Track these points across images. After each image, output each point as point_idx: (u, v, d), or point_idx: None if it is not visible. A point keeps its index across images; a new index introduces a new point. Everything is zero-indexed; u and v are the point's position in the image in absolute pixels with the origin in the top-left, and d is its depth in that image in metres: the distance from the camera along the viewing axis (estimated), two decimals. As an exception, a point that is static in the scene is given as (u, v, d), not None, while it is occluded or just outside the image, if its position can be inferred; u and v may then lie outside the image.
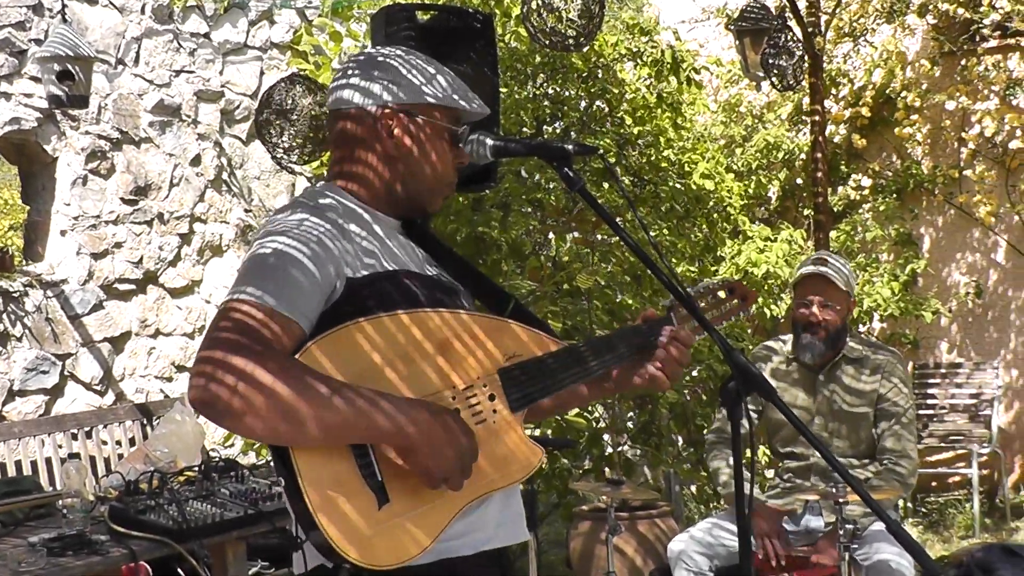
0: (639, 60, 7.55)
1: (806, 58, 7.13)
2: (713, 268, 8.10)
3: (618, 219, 6.89)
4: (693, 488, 7.71)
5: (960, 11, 8.64)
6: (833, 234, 8.74)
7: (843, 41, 9.34)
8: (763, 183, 9.52)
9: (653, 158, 7.43)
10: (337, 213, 2.31)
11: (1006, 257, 8.99)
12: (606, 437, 7.19)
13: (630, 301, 6.93)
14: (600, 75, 7.34)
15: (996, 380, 8.66)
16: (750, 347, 6.85)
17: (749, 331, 8.14)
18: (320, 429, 2.07)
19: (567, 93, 7.30)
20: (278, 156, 6.06)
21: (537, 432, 6.10)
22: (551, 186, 6.94)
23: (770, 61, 7.07)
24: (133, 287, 7.63)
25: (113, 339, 7.48)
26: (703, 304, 2.82)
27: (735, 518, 2.37)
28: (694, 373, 7.09)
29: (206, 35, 8.22)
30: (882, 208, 9.18)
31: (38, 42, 6.91)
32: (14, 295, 6.87)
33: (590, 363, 2.52)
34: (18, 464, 6.07)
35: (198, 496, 4.38)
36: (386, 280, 2.29)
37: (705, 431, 5.81)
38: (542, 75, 7.22)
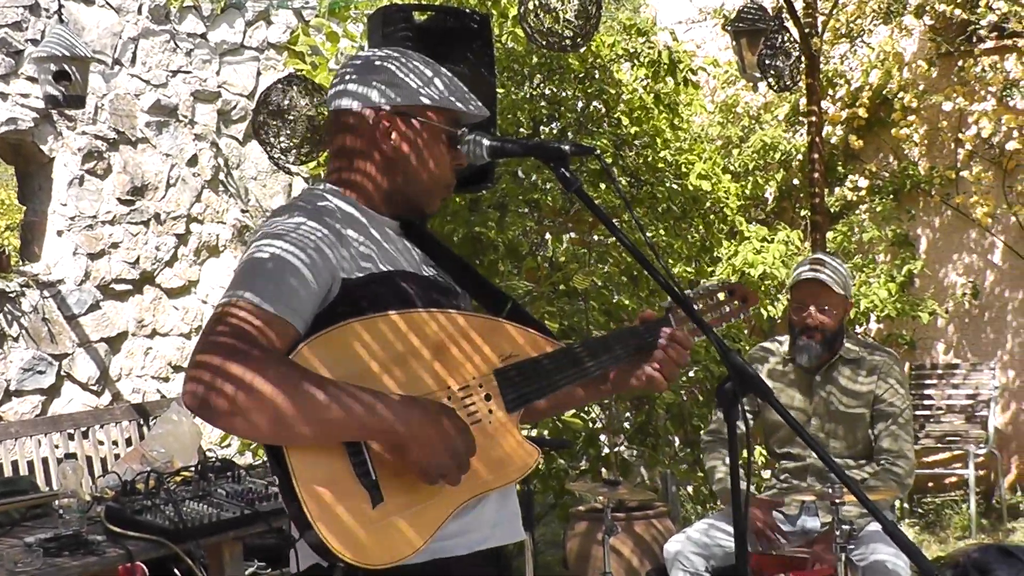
0: (636, 61, 7.55)
1: (803, 59, 7.13)
2: (710, 269, 8.10)
3: (615, 220, 6.89)
4: (690, 488, 7.71)
5: (957, 12, 8.64)
6: (830, 235, 8.75)
7: (840, 42, 9.35)
8: (760, 184, 9.52)
9: (650, 159, 7.43)
10: (334, 217, 2.31)
11: (1003, 258, 8.99)
12: (603, 438, 7.19)
13: (627, 302, 6.94)
14: (597, 76, 7.34)
15: (993, 381, 8.66)
16: (747, 348, 6.85)
17: (746, 332, 8.14)
18: (313, 428, 2.08)
19: (564, 94, 7.30)
20: (275, 157, 6.06)
21: (533, 432, 6.10)
22: (548, 187, 6.94)
23: (767, 62, 7.07)
24: (130, 287, 7.63)
25: (110, 339, 7.48)
26: (702, 305, 2.82)
27: (731, 519, 2.37)
28: (691, 374, 7.09)
29: (203, 35, 8.22)
30: (879, 209, 9.18)
31: (35, 42, 6.91)
32: (11, 295, 6.87)
33: (586, 364, 2.52)
34: (15, 464, 6.06)
35: (195, 496, 4.38)
36: (380, 281, 2.30)
37: (702, 432, 5.82)
38: (539, 75, 7.22)
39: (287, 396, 2.04)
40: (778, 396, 4.74)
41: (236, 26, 8.44)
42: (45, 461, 6.24)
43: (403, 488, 2.19)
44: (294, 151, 6.01)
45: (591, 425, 7.03)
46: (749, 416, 5.01)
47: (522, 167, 7.02)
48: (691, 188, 7.66)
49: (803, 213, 9.31)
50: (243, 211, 8.38)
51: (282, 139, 5.99)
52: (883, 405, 4.81)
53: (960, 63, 8.85)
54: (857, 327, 8.85)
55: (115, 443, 6.58)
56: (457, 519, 2.27)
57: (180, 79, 8.04)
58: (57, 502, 4.36)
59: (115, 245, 7.52)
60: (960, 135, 8.93)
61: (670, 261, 7.39)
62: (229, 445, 7.13)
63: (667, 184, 7.38)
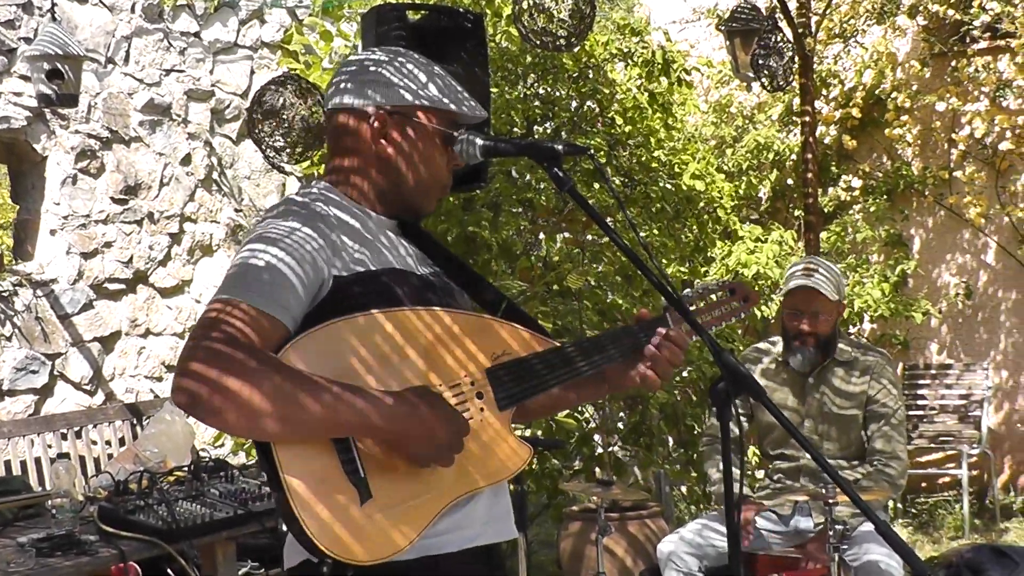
0: (630, 60, 7.55)
1: (796, 59, 7.14)
2: (703, 269, 8.11)
3: (608, 219, 6.89)
4: (683, 489, 7.72)
5: (950, 12, 8.64)
6: (823, 235, 8.76)
7: (833, 42, 9.35)
8: (753, 184, 9.53)
9: (643, 158, 7.44)
10: (328, 223, 2.31)
11: (996, 258, 9.01)
12: (596, 437, 7.19)
13: (620, 301, 6.94)
14: (591, 75, 7.34)
15: (986, 381, 8.67)
16: (740, 348, 6.86)
17: (740, 332, 8.15)
18: (301, 424, 2.09)
19: (558, 93, 7.30)
20: (269, 156, 6.05)
21: (527, 432, 6.10)
22: (542, 186, 6.94)
23: (760, 62, 7.07)
24: (123, 287, 7.62)
25: (103, 339, 7.47)
26: (702, 305, 2.81)
27: (725, 519, 2.37)
28: (684, 374, 7.10)
29: (196, 34, 8.21)
30: (872, 209, 9.20)
31: (28, 41, 6.89)
32: (4, 294, 6.86)
33: (579, 364, 2.51)
34: (7, 464, 6.06)
35: (188, 496, 4.38)
36: (367, 280, 2.30)
37: (701, 435, 5.82)
38: (533, 75, 7.22)
39: (275, 393, 2.06)
40: (771, 397, 4.74)
41: (230, 25, 8.43)
42: (38, 461, 6.23)
43: (392, 485, 2.20)
44: (288, 150, 6.01)
45: (585, 425, 7.03)
46: (744, 419, 5.02)
47: (516, 167, 7.01)
48: (685, 188, 7.66)
49: (797, 213, 9.32)
50: (237, 210, 8.37)
51: (276, 138, 5.99)
52: (876, 406, 4.81)
53: (953, 63, 8.86)
54: (851, 327, 8.86)
55: (108, 443, 6.57)
56: (448, 516, 2.28)
57: (173, 78, 8.03)
58: (50, 502, 4.36)
59: (108, 244, 7.50)
60: (953, 135, 8.95)
61: (664, 261, 7.40)
62: (222, 445, 7.12)
63: (661, 184, 7.38)
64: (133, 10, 7.74)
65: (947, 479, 8.89)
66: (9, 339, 6.88)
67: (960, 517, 8.17)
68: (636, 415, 7.15)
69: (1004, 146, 8.63)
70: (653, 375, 2.58)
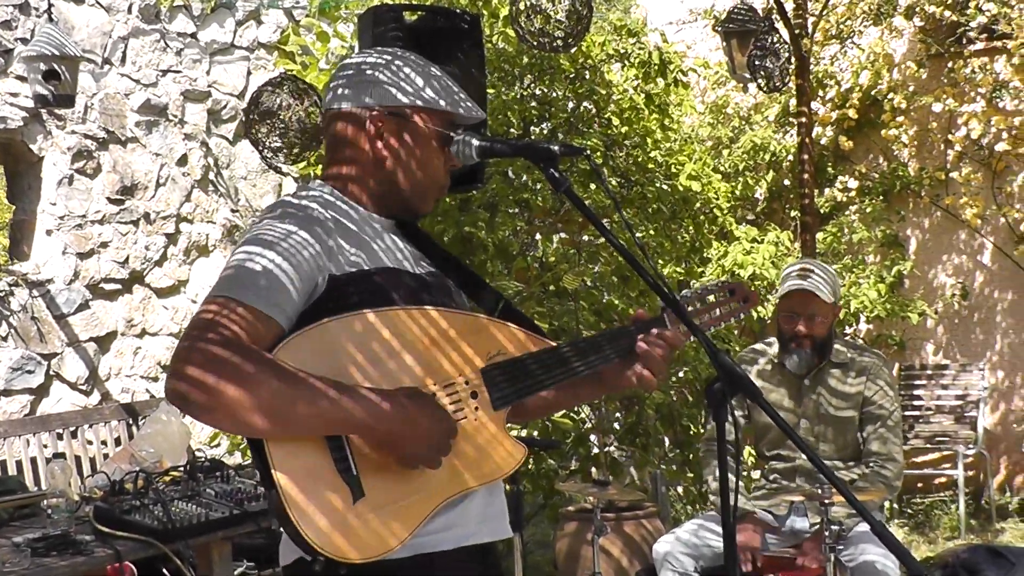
0: (626, 61, 7.55)
1: (793, 60, 7.14)
2: (699, 270, 8.11)
3: (605, 220, 6.90)
4: (679, 489, 7.72)
5: (947, 13, 8.65)
6: (820, 236, 8.76)
7: (830, 43, 9.36)
8: (750, 185, 9.53)
9: (640, 159, 7.43)
10: (325, 228, 2.31)
11: (992, 259, 9.01)
12: (592, 438, 7.19)
13: (617, 302, 6.94)
14: (587, 76, 7.34)
15: (982, 382, 8.68)
16: (737, 349, 6.86)
17: (736, 332, 8.15)
18: (293, 422, 2.10)
19: (554, 94, 7.30)
20: (266, 156, 6.05)
21: (523, 432, 6.10)
22: (538, 187, 6.94)
23: (757, 63, 7.08)
24: (119, 287, 7.61)
25: (99, 339, 7.46)
26: (701, 305, 2.81)
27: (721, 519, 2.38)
28: (680, 374, 7.10)
29: (193, 35, 8.20)
30: (869, 210, 9.20)
31: (24, 41, 6.89)
32: (0, 294, 6.86)
33: (574, 364, 2.51)
34: (3, 464, 6.05)
35: (183, 496, 4.38)
36: (360, 280, 2.30)
37: (697, 435, 5.83)
38: (529, 76, 7.22)
39: (267, 390, 2.07)
40: (767, 398, 4.75)
41: (226, 26, 8.43)
42: (34, 461, 6.22)
43: (384, 484, 2.20)
44: (285, 151, 6.01)
45: (581, 425, 7.03)
46: (741, 421, 5.02)
47: (512, 167, 7.01)
48: (681, 189, 7.66)
49: (793, 214, 9.32)
50: (233, 211, 8.37)
51: (273, 139, 5.99)
52: (872, 407, 4.81)
53: (950, 64, 8.87)
54: (847, 328, 8.87)
55: (104, 443, 6.57)
56: (442, 514, 2.29)
57: (170, 78, 8.02)
58: (45, 502, 4.36)
59: (104, 244, 7.50)
60: (950, 136, 8.95)
61: (660, 262, 7.40)
62: (218, 445, 7.12)
63: (657, 184, 7.39)
64: (130, 11, 7.74)
65: (943, 479, 8.90)
66: (5, 339, 6.87)
67: (956, 517, 8.17)
68: (632, 415, 7.15)
69: (1000, 147, 8.64)
70: (650, 375, 2.57)
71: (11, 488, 4.87)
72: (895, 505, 8.53)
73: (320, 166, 6.49)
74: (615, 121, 7.43)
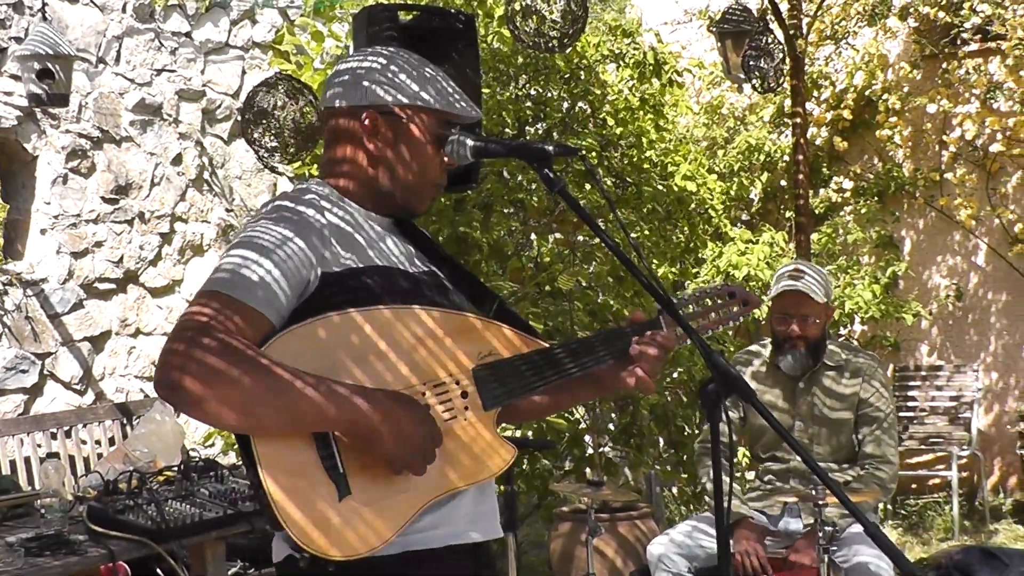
0: (621, 62, 7.56)
1: (787, 60, 7.14)
2: (694, 270, 8.12)
3: (599, 220, 6.89)
4: (674, 490, 7.72)
5: (941, 15, 8.66)
6: (814, 236, 8.76)
7: (825, 44, 9.37)
8: (745, 185, 9.54)
9: (635, 159, 7.44)
10: (320, 235, 2.30)
11: (986, 260, 9.02)
12: (587, 438, 7.19)
13: (612, 302, 6.94)
14: (582, 76, 7.34)
15: (976, 383, 8.69)
16: (732, 350, 6.86)
17: (731, 334, 8.15)
18: (279, 417, 2.11)
19: (549, 94, 7.30)
20: (262, 156, 6.05)
21: (517, 433, 6.10)
22: (533, 187, 6.94)
23: (751, 63, 7.07)
24: (113, 286, 7.60)
25: (93, 338, 7.45)
26: (699, 308, 2.80)
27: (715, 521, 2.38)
28: (675, 375, 7.10)
29: (187, 34, 8.19)
30: (863, 211, 9.21)
31: (18, 40, 6.88)
32: (-7, 294, 6.85)
33: (567, 366, 2.51)
34: (-4, 464, 6.05)
35: (177, 496, 4.38)
36: (349, 278, 2.30)
37: (692, 436, 5.83)
38: (524, 76, 7.22)
39: (254, 385, 2.07)
40: (762, 400, 4.75)
41: (221, 25, 8.42)
42: (27, 460, 6.22)
43: (372, 482, 2.20)
44: (280, 151, 6.00)
45: (576, 426, 7.03)
46: (738, 422, 5.02)
47: (507, 167, 7.02)
48: (676, 189, 7.67)
49: (788, 214, 9.32)
50: (228, 210, 8.37)
51: (268, 139, 5.98)
52: (868, 409, 4.81)
53: (944, 65, 8.88)
54: (841, 329, 8.87)
55: (98, 442, 6.57)
56: (431, 512, 2.28)
57: (164, 78, 8.01)
58: (39, 501, 4.34)
59: (99, 244, 7.49)
60: (944, 137, 8.96)
61: (655, 262, 7.40)
62: (212, 445, 7.12)
63: (652, 185, 7.39)
64: (124, 10, 7.73)
65: (937, 481, 8.90)
66: (-1, 338, 6.87)
67: (950, 519, 8.18)
68: (627, 416, 7.15)
69: (995, 148, 8.65)
70: (645, 376, 2.56)
71: (4, 488, 4.87)
72: (889, 506, 8.54)
73: (316, 166, 6.49)
74: (610, 121, 7.43)
